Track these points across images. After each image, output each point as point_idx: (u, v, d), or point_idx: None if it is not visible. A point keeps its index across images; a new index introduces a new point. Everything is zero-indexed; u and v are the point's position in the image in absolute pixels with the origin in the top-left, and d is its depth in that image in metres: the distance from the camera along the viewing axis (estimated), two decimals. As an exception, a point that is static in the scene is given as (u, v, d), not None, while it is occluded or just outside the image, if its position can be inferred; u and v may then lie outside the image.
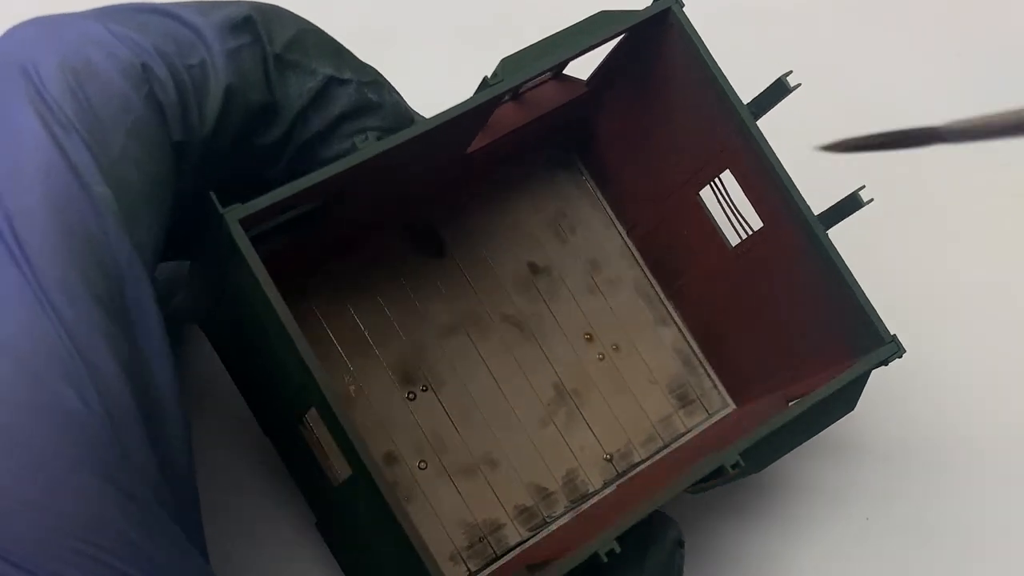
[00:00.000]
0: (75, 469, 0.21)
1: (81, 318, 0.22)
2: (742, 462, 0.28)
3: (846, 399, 0.30)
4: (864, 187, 0.29)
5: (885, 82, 0.43)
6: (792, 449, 0.30)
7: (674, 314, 0.37)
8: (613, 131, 0.36)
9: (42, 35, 0.24)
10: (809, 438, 0.30)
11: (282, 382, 0.28)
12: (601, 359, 0.36)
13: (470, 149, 0.33)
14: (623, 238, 0.38)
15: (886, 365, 0.30)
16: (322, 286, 0.34)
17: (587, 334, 0.36)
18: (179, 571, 0.23)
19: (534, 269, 0.36)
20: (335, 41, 0.28)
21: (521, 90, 0.33)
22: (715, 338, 0.37)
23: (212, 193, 0.26)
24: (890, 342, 0.30)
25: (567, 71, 0.34)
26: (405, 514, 0.25)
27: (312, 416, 0.28)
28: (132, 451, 0.22)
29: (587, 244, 0.37)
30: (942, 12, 0.44)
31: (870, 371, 0.30)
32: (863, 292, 0.30)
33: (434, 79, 0.39)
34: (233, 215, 0.26)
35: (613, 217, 0.38)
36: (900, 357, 0.30)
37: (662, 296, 0.37)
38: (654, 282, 0.38)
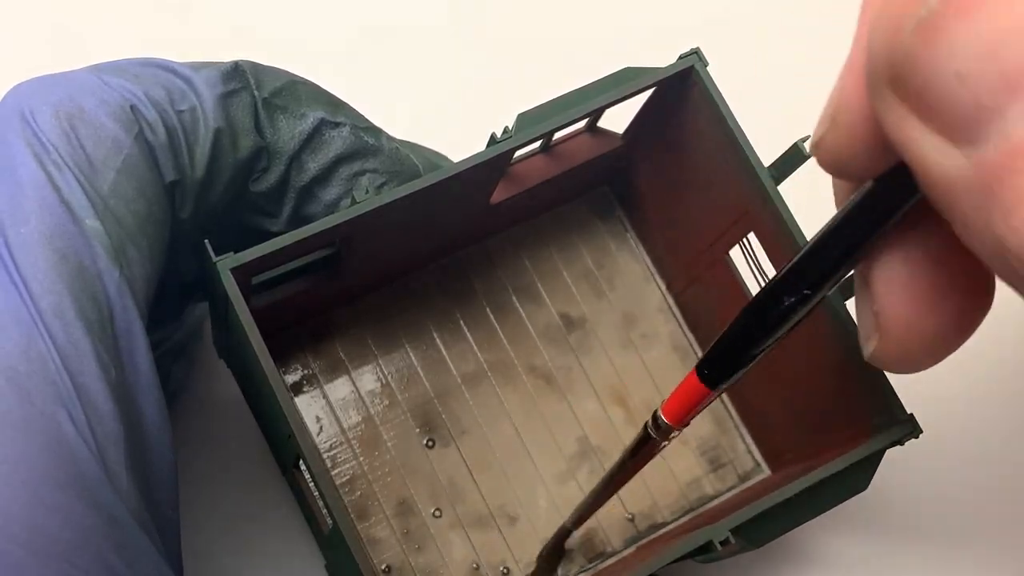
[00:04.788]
0: (60, 490, 0.22)
1: (73, 342, 0.23)
2: (732, 538, 0.27)
3: (856, 478, 0.29)
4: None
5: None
6: (796, 526, 0.29)
7: (711, 373, 0.36)
8: (649, 185, 0.35)
9: (40, 86, 0.25)
10: (815, 516, 0.29)
11: (276, 429, 0.28)
12: (630, 416, 0.36)
13: (496, 200, 0.33)
14: (662, 292, 0.37)
15: (901, 445, 0.28)
16: (348, 326, 0.35)
17: (617, 390, 0.36)
18: None
19: (567, 321, 0.36)
20: (329, 93, 0.29)
21: (552, 143, 0.33)
22: (749, 400, 0.36)
23: (207, 241, 0.26)
24: (905, 420, 0.28)
25: (602, 123, 0.34)
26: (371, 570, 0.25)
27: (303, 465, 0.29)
28: (116, 475, 0.23)
29: (624, 297, 0.37)
30: None
31: (883, 451, 0.28)
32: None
33: (435, 81, 0.39)
34: (225, 264, 0.26)
35: (653, 271, 0.37)
36: (916, 437, 0.28)
37: (699, 354, 0.37)
38: (691, 339, 0.37)
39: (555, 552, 0.33)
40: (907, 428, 0.28)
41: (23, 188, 0.24)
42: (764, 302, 0.20)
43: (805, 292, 0.20)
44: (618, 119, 0.34)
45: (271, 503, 0.34)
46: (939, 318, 0.19)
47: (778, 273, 0.20)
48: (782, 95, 0.40)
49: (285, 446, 0.28)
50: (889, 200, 0.18)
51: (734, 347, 0.21)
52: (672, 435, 0.24)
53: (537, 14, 0.41)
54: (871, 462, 0.29)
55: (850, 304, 0.29)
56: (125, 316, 0.24)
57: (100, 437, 0.23)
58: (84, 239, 0.24)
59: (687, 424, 0.24)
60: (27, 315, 0.23)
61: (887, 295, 0.19)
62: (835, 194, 0.20)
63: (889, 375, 0.29)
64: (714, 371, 0.22)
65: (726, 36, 0.41)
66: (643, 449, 0.25)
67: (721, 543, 0.27)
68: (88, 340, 0.23)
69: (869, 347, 0.20)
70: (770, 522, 0.28)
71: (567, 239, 0.37)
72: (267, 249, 0.26)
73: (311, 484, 0.29)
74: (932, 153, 0.15)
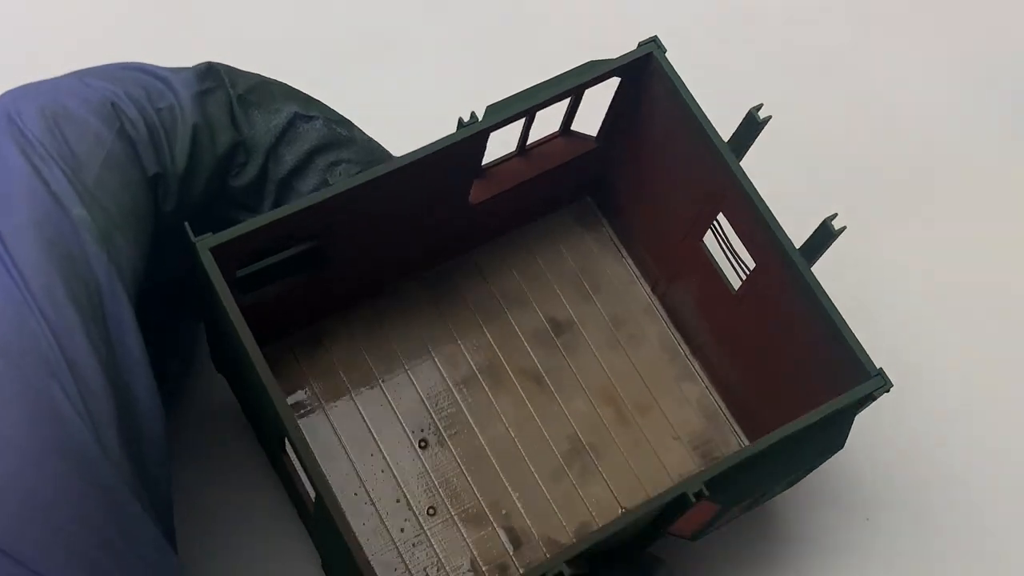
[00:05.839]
0: (57, 462, 0.23)
1: (64, 320, 0.24)
2: (705, 490, 0.27)
3: (832, 436, 0.29)
4: (836, 215, 0.29)
5: (884, 111, 0.43)
6: (773, 484, 0.29)
7: (699, 370, 0.37)
8: (626, 186, 0.36)
9: (26, 91, 0.27)
10: (793, 473, 0.29)
11: (264, 418, 0.29)
12: (621, 414, 0.36)
13: (476, 200, 0.34)
14: (647, 294, 0.38)
15: (873, 400, 0.29)
16: (338, 331, 0.36)
17: (607, 389, 0.36)
18: (154, 568, 0.24)
19: (554, 324, 0.37)
20: (301, 91, 0.30)
21: (528, 146, 0.35)
22: (736, 391, 0.36)
23: (187, 223, 0.27)
24: (876, 375, 0.29)
25: (576, 127, 0.35)
26: (356, 543, 0.26)
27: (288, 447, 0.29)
28: (110, 448, 0.24)
29: (610, 300, 0.38)
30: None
31: (854, 406, 0.29)
32: (847, 325, 0.29)
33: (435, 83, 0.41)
34: (204, 244, 0.27)
35: (637, 274, 0.38)
36: (887, 391, 0.29)
37: (686, 352, 0.37)
38: (678, 337, 0.37)
39: None
40: (877, 383, 0.29)
41: (12, 181, 0.25)
42: None
43: None
44: (595, 126, 0.35)
45: (267, 507, 0.35)
46: None
47: None
48: (744, 83, 0.42)
49: (272, 428, 0.29)
50: None
51: None
52: None
53: (510, 21, 0.43)
54: (844, 417, 0.29)
55: (830, 289, 0.29)
56: (114, 298, 0.26)
57: (93, 411, 0.24)
58: (72, 226, 0.25)
59: None
60: (19, 296, 0.24)
61: None
62: None
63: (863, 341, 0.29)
64: None
65: (692, 28, 0.43)
66: None
67: (695, 495, 0.27)
68: (79, 320, 0.24)
69: None
70: (745, 477, 0.28)
71: (553, 248, 0.38)
72: (245, 228, 0.28)
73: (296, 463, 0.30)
74: None
